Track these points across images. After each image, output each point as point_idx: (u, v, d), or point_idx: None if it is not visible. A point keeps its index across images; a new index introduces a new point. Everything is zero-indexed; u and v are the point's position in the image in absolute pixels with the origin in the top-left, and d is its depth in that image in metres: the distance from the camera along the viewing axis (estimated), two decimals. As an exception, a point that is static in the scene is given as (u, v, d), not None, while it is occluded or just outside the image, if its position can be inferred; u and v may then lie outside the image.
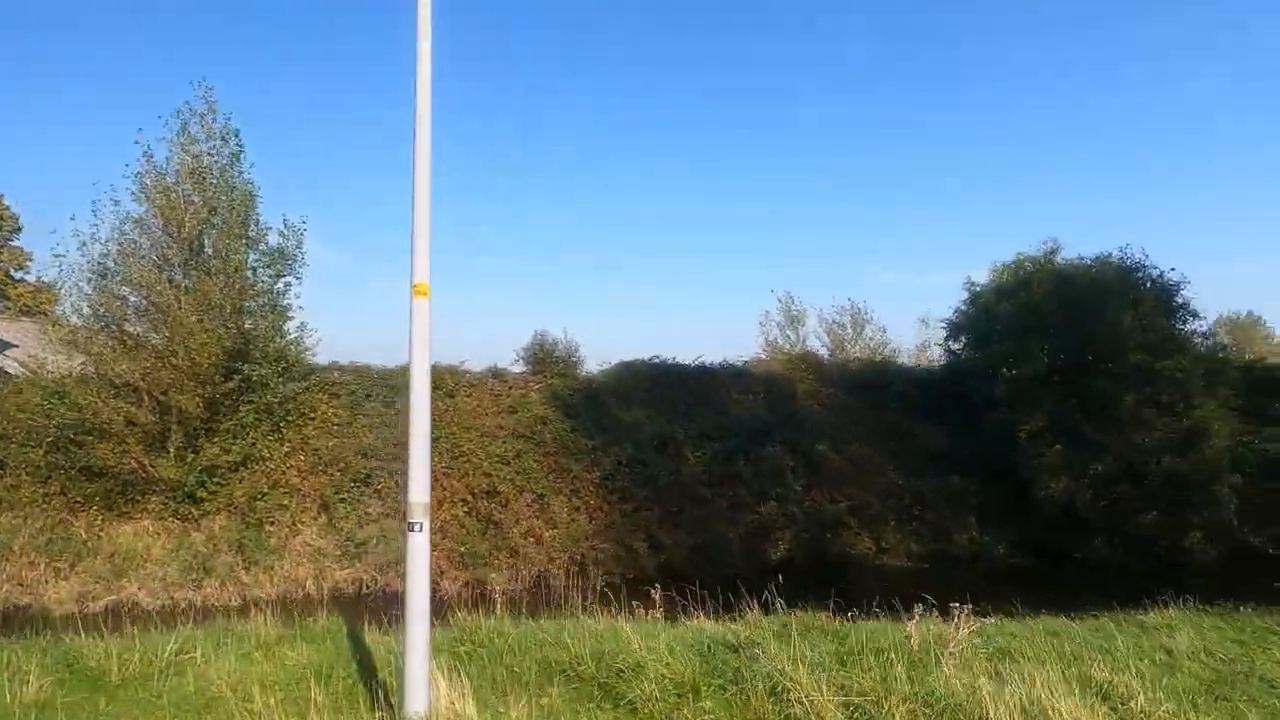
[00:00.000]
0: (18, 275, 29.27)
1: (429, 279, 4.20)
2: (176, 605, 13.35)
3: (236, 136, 16.02)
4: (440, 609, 14.31)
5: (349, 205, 79.62)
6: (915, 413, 19.67)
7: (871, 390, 20.39)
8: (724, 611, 8.04)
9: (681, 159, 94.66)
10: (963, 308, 20.88)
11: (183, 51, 74.41)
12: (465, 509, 15.26)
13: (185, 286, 14.75)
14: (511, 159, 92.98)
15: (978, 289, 20.58)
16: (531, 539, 14.94)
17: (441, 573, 14.44)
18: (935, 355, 27.99)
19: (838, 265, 76.82)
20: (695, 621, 7.65)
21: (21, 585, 13.37)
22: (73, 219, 14.81)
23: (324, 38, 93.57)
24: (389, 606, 14.17)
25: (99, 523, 14.64)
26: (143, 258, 14.82)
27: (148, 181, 14.91)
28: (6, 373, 19.59)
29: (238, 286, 15.13)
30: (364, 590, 14.18)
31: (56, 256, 14.88)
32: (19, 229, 29.68)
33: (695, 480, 16.42)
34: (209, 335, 14.33)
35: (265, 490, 14.82)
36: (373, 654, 6.30)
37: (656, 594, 7.55)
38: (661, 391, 18.85)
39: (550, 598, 14.26)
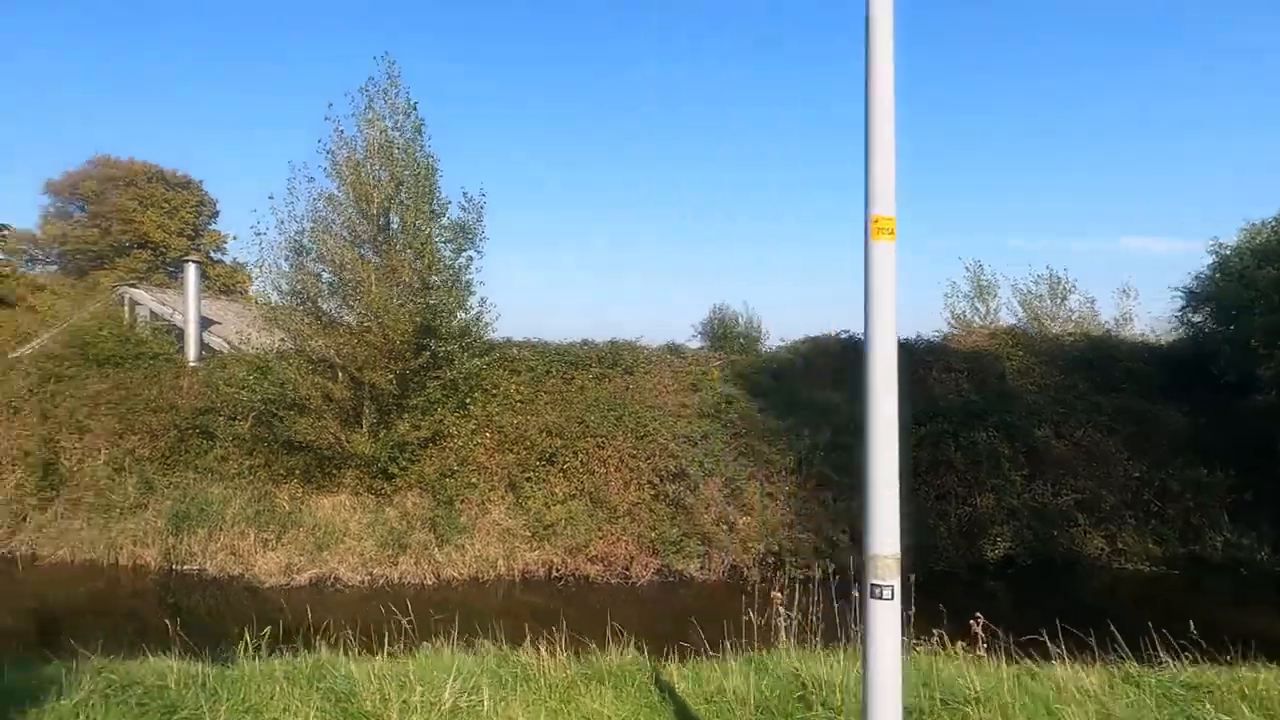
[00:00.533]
0: (216, 257, 31.58)
1: (893, 212, 3.05)
2: (375, 581, 13.40)
3: (415, 110, 15.83)
4: (635, 595, 13.81)
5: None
6: (1151, 394, 17.13)
7: (1093, 368, 17.97)
8: (952, 622, 6.70)
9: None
10: (1207, 274, 17.99)
11: (325, 23, 78.12)
12: (652, 492, 14.48)
13: (375, 263, 14.70)
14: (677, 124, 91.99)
15: (1227, 251, 17.64)
16: (724, 526, 13.97)
17: (631, 559, 13.76)
18: (1141, 328, 24.82)
19: (977, 233, 71.03)
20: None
21: (234, 555, 13.80)
22: (270, 198, 14.94)
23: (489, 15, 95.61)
24: (583, 594, 13.77)
25: (299, 495, 14.96)
26: (335, 234, 14.90)
27: (340, 158, 14.94)
28: (212, 349, 20.68)
29: (426, 261, 14.96)
30: (554, 573, 13.72)
31: (257, 235, 15.23)
32: (217, 213, 32.00)
33: (900, 468, 14.88)
34: (402, 310, 14.22)
35: (455, 467, 14.63)
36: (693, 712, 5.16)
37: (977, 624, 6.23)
38: (854, 369, 17.35)
39: (745, 587, 13.35)
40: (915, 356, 17.99)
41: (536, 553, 13.81)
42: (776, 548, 13.73)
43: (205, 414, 15.87)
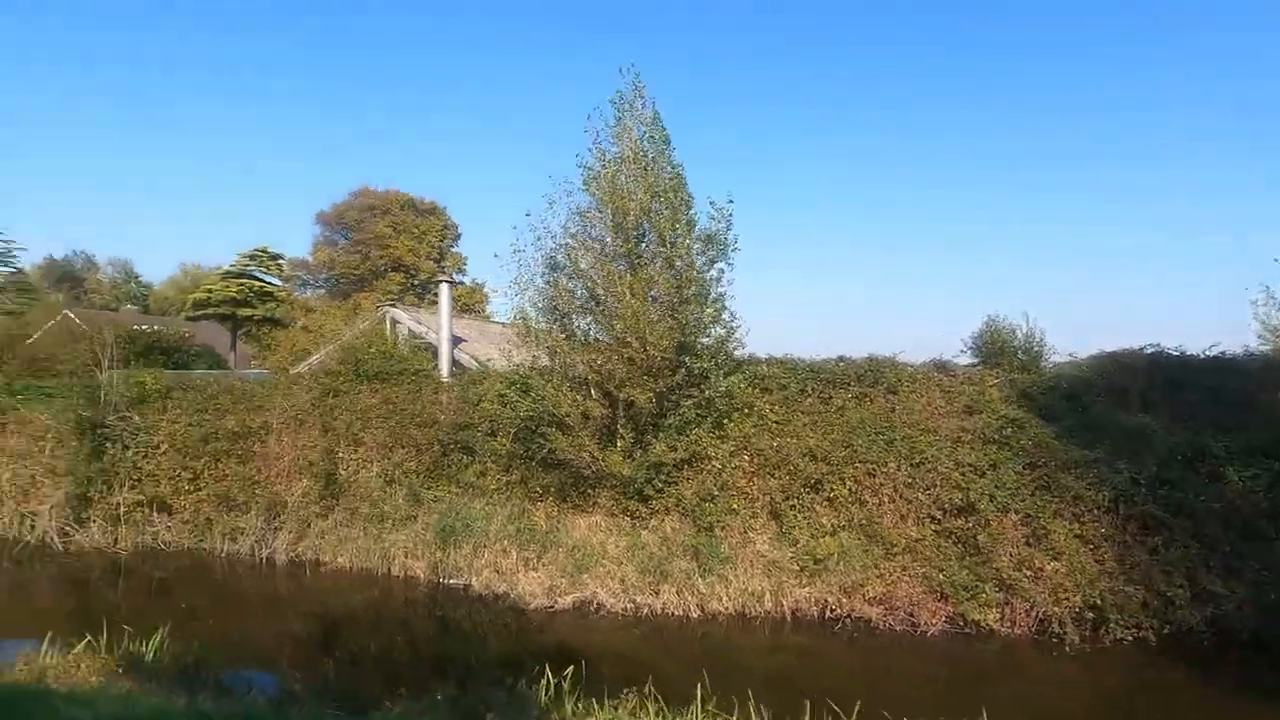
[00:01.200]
0: (458, 278, 33.65)
1: None
2: (638, 609, 12.81)
3: (660, 121, 15.36)
4: (924, 647, 12.27)
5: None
6: None
7: None
8: None
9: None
10: None
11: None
12: (935, 527, 12.86)
13: (628, 277, 14.26)
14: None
15: None
16: (1026, 571, 12.06)
17: (915, 604, 12.22)
18: None
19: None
20: None
21: (498, 572, 13.78)
22: (527, 215, 14.98)
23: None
24: (864, 640, 12.42)
25: (555, 514, 14.79)
26: (591, 249, 14.67)
27: (595, 172, 14.73)
28: (461, 365, 21.42)
29: (684, 276, 14.35)
30: (828, 613, 12.47)
31: (515, 252, 15.33)
32: (459, 236, 34.18)
33: (1249, 510, 12.22)
34: (660, 325, 13.67)
35: (714, 492, 13.82)
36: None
37: None
38: (1167, 390, 14.72)
39: (1062, 646, 11.41)
40: (1246, 377, 15.02)
41: (807, 589, 12.62)
42: (1097, 601, 11.62)
43: (464, 429, 16.20)
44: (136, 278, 62.09)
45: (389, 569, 14.79)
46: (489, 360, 21.43)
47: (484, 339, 24.40)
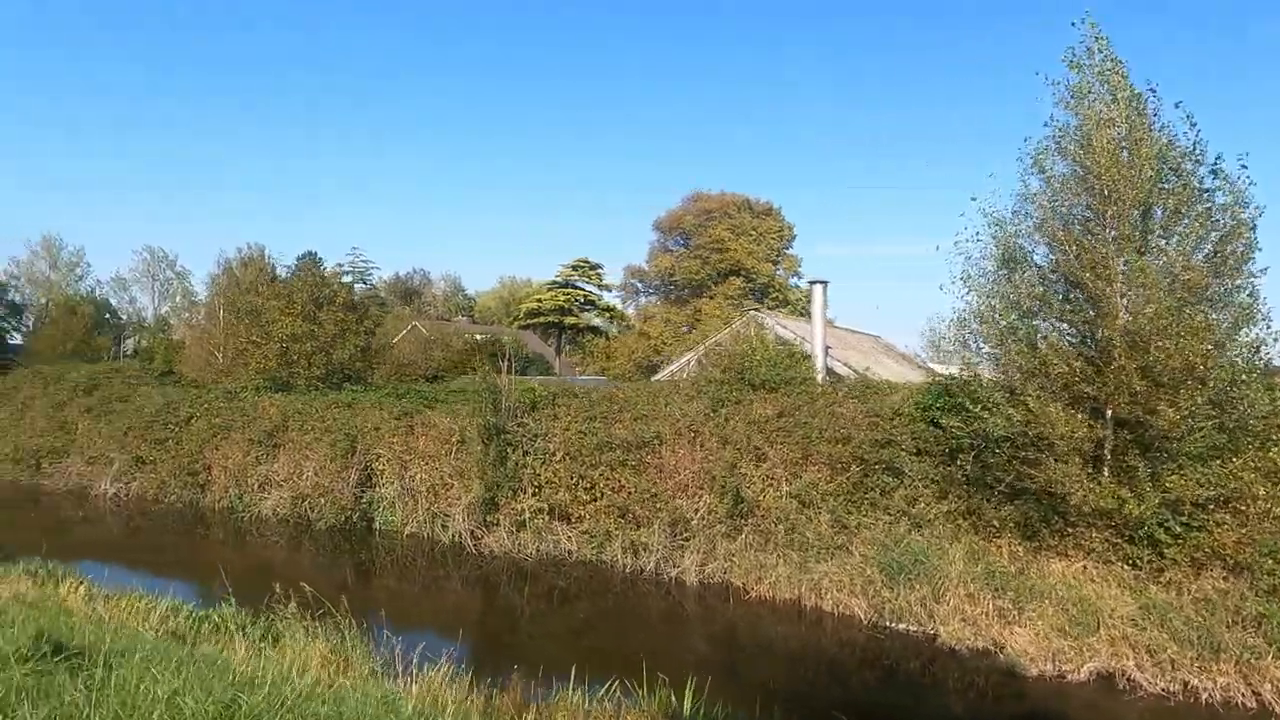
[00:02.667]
0: (793, 282, 32.46)
1: None
2: (1189, 692, 9.92)
3: (1126, 77, 12.36)
4: None
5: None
6: None
7: None
8: None
9: None
10: None
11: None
12: None
13: (1139, 265, 11.41)
14: None
15: None
16: None
17: None
18: None
19: None
20: None
21: (969, 623, 11.55)
22: (973, 199, 12.68)
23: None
24: None
25: (1021, 554, 12.29)
26: (1073, 234, 12.04)
27: (1078, 136, 12.11)
28: (835, 373, 19.56)
29: (1210, 263, 11.29)
30: None
31: (956, 244, 13.15)
32: (794, 237, 32.92)
33: None
34: (1190, 325, 10.72)
35: (1274, 544, 10.55)
36: None
37: None
38: None
39: None
40: None
41: None
42: None
43: (884, 447, 14.24)
44: (463, 291, 68.88)
45: (818, 603, 13.15)
46: (866, 369, 19.41)
47: (842, 345, 22.48)
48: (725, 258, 33.06)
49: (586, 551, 16.18)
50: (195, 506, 21.68)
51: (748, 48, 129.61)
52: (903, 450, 14.07)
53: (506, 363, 18.67)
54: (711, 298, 32.35)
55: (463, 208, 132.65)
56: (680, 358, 22.48)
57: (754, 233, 33.78)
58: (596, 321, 36.34)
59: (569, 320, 37.10)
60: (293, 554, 18.59)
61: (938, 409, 13.90)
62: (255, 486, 20.92)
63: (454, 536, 17.41)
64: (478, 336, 41.95)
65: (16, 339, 49.19)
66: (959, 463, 13.16)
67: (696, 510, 15.27)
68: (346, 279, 29.34)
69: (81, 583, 11.26)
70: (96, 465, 24.12)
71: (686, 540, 15.13)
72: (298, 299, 26.61)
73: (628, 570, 15.44)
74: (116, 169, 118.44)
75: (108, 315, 58.72)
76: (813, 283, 19.78)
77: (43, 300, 54.57)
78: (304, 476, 20.22)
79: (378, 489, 19.30)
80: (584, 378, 27.32)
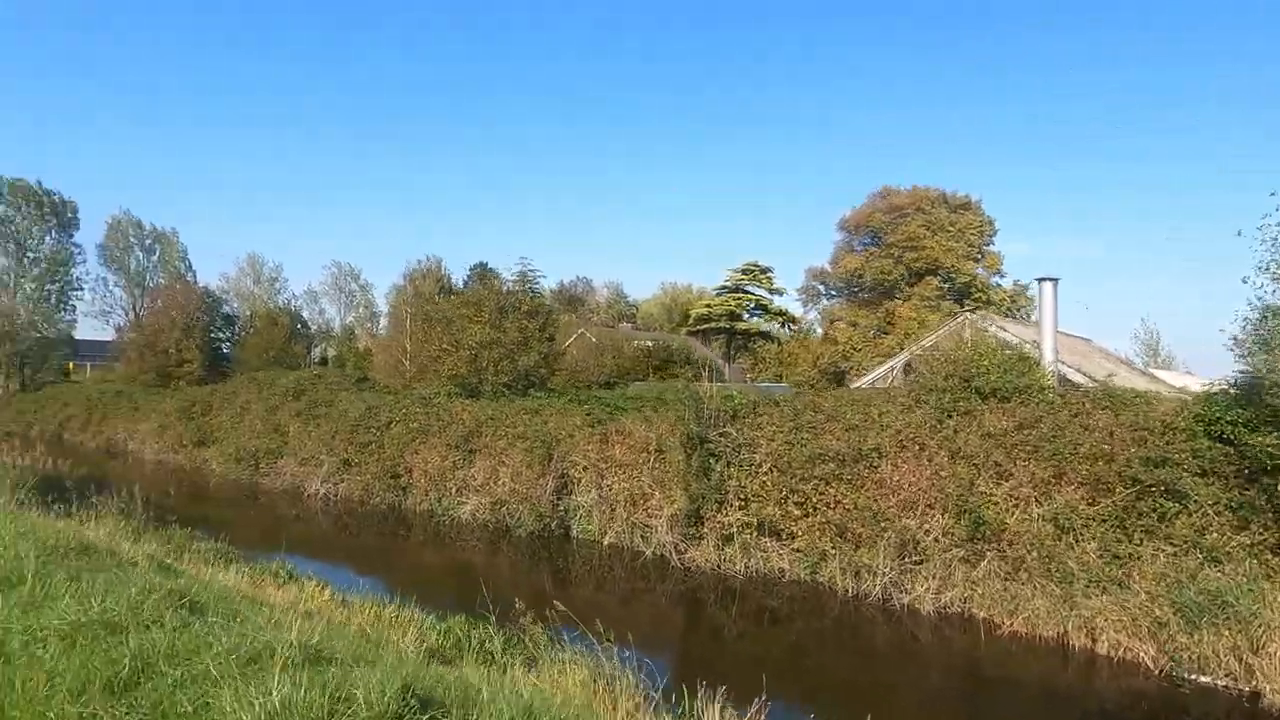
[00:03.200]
0: (995, 281, 30.10)
1: None
2: None
3: None
4: None
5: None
6: None
7: None
8: None
9: None
10: None
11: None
12: None
13: None
14: None
15: None
16: None
17: None
18: None
19: None
20: None
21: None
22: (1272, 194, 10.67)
23: None
24: None
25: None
26: None
27: None
28: (1070, 381, 17.53)
29: None
30: None
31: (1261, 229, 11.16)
32: (995, 233, 30.49)
33: None
34: None
35: None
36: None
37: None
38: None
39: None
40: None
41: None
42: None
43: (1160, 466, 12.35)
44: (625, 298, 69.68)
45: (1089, 644, 11.49)
46: (1109, 376, 17.28)
47: (1065, 350, 20.25)
48: (920, 256, 30.81)
49: (799, 571, 15.18)
50: (398, 509, 22.47)
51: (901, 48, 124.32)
52: (1184, 471, 12.14)
53: (706, 369, 17.98)
54: (905, 299, 30.26)
55: (624, 215, 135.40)
56: (879, 364, 20.99)
57: (951, 228, 31.30)
58: (767, 326, 35.15)
59: (739, 325, 36.12)
60: (492, 559, 18.74)
61: (1230, 422, 11.90)
62: (453, 491, 21.38)
63: (656, 549, 16.89)
64: (646, 343, 41.85)
65: (225, 348, 53.93)
66: (1261, 486, 11.17)
67: (928, 531, 13.91)
68: (504, 288, 29.69)
69: (323, 586, 11.47)
70: (307, 466, 25.61)
71: (917, 564, 13.81)
72: (485, 307, 27.24)
73: (849, 594, 14.30)
74: (311, 190, 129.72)
75: (298, 325, 63.63)
76: (1041, 280, 17.80)
77: (247, 312, 59.73)
78: (500, 482, 20.41)
79: (574, 496, 19.15)
80: (765, 385, 26.25)
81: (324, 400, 28.65)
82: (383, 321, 64.90)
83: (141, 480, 25.17)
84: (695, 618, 14.89)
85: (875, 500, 14.72)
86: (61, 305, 58.50)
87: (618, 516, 18.01)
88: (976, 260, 32.09)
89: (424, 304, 39.84)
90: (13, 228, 56.08)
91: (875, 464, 15.17)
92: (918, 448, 14.98)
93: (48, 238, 57.53)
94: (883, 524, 14.31)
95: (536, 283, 33.74)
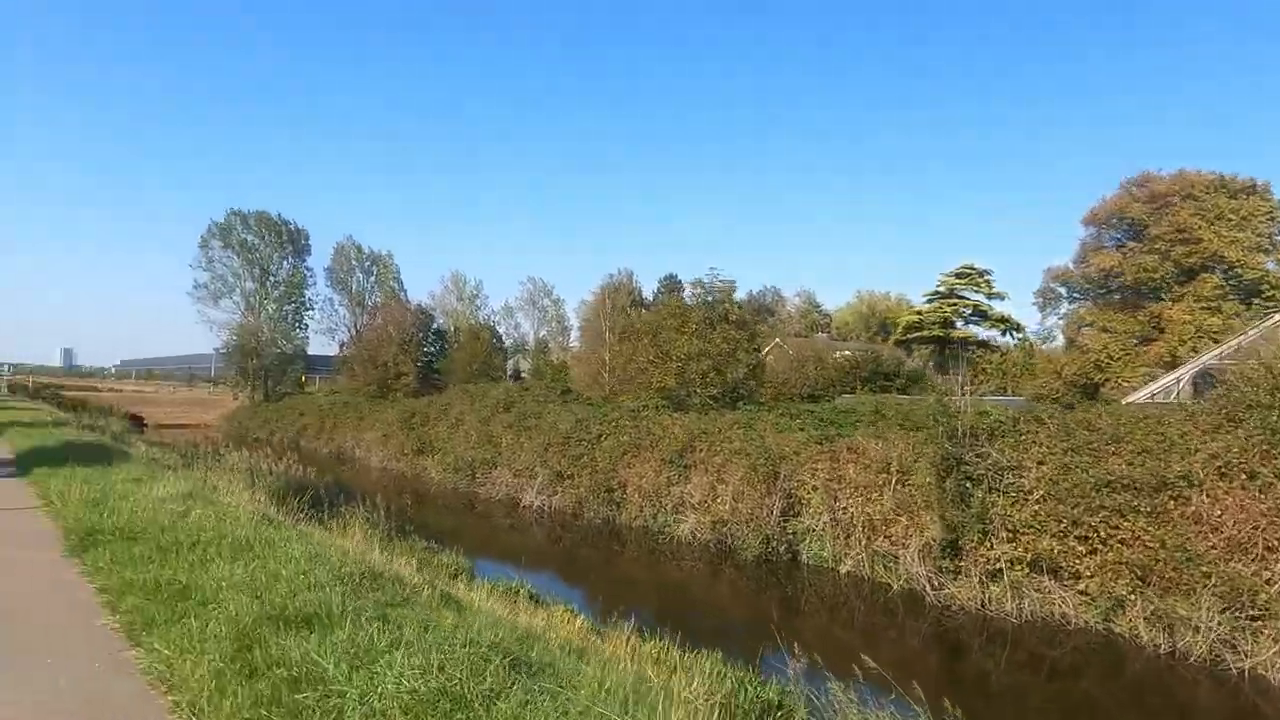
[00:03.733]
0: None
1: None
2: None
3: None
4: None
5: None
6: None
7: None
8: None
9: None
10: None
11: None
12: None
13: None
14: None
15: None
16: None
17: None
18: None
19: None
20: None
21: None
22: None
23: None
24: None
25: None
26: None
27: None
28: None
29: None
30: None
31: None
32: None
33: None
34: None
35: None
36: None
37: None
38: None
39: None
40: None
41: None
42: None
43: None
44: (818, 307, 67.45)
45: None
46: None
47: None
48: (1194, 250, 26.29)
49: (1089, 617, 12.98)
50: (612, 523, 22.11)
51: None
52: None
53: (961, 381, 16.10)
54: (1176, 300, 26.09)
55: (817, 222, 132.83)
56: (1148, 376, 18.02)
57: (1234, 216, 26.58)
58: (987, 334, 32.00)
59: (954, 334, 33.15)
60: (714, 581, 17.80)
61: None
62: (669, 508, 20.67)
63: (905, 582, 15.19)
64: (845, 353, 39.72)
65: (435, 362, 57.37)
66: None
67: (1270, 581, 11.34)
68: (707, 299, 28.72)
69: (573, 614, 10.90)
70: (521, 478, 25.98)
71: (1258, 620, 11.27)
72: (692, 317, 26.56)
73: (1158, 649, 11.97)
74: (509, 213, 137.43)
75: (494, 340, 66.62)
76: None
77: (451, 328, 63.32)
78: (720, 500, 19.45)
79: (802, 519, 17.81)
80: (994, 398, 23.61)
81: (533, 412, 29.12)
82: (573, 335, 66.66)
83: (371, 487, 26.64)
84: (957, 664, 13.10)
85: (1188, 539, 12.28)
86: (297, 323, 64.80)
87: (855, 543, 16.46)
88: (1267, 252, 27.03)
89: (621, 316, 40.05)
90: (258, 255, 62.85)
91: (1184, 495, 12.70)
92: (1245, 476, 12.36)
93: (286, 263, 63.98)
94: (1202, 568, 11.87)
95: (729, 292, 32.68)
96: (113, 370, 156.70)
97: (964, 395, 15.95)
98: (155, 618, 5.18)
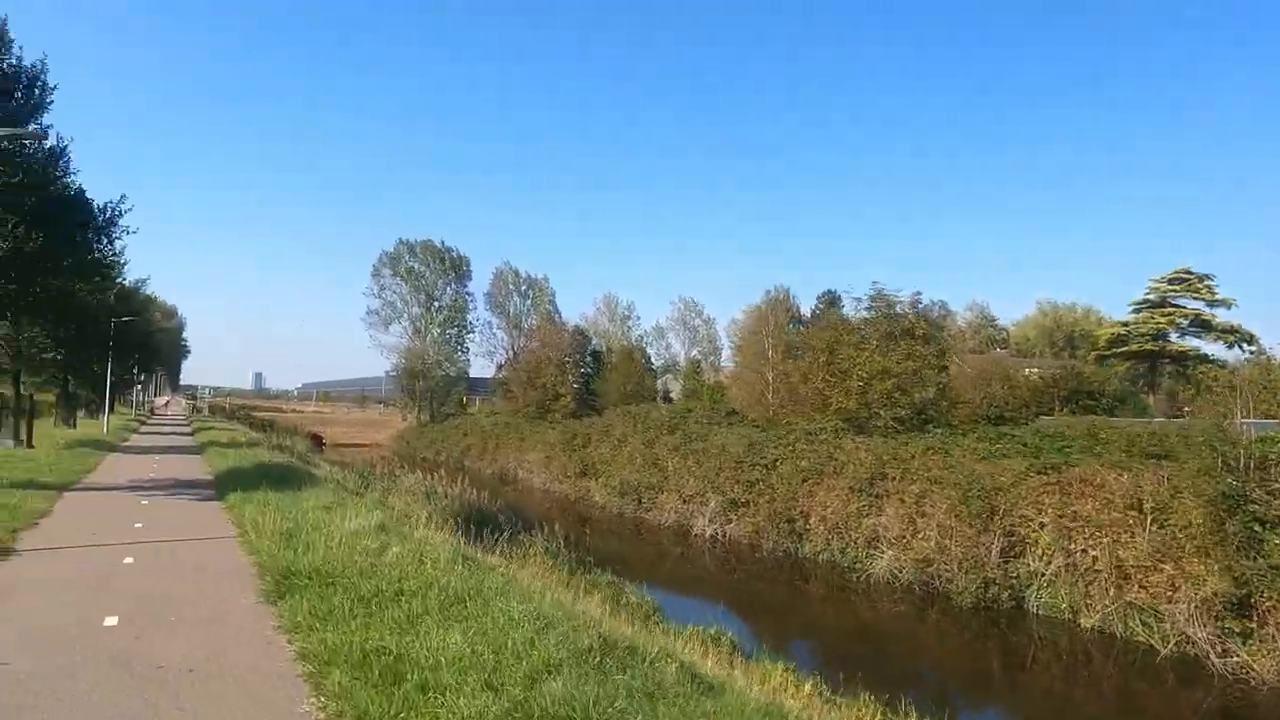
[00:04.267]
0: None
1: None
2: None
3: None
4: None
5: None
6: None
7: None
8: None
9: None
10: None
11: None
12: None
13: None
14: None
15: None
16: None
17: None
18: None
19: None
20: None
21: None
22: None
23: None
24: None
25: None
26: None
27: None
28: None
29: None
30: None
31: None
32: None
33: None
34: None
35: None
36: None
37: None
38: None
39: None
40: None
41: None
42: None
43: None
44: (993, 321, 62.50)
45: None
46: None
47: None
48: None
49: None
50: (793, 555, 20.41)
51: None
52: None
53: (1240, 403, 13.43)
54: None
55: (988, 231, 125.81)
56: None
57: None
58: (1211, 347, 27.70)
59: (1169, 348, 29.01)
60: (918, 628, 15.76)
61: None
62: (860, 542, 18.75)
63: (1175, 644, 12.63)
64: (1034, 371, 36.03)
65: (591, 383, 57.61)
66: None
67: None
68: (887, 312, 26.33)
69: (804, 682, 9.41)
70: (691, 504, 24.74)
71: None
72: (872, 334, 24.53)
73: None
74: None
75: (645, 361, 66.28)
76: None
77: (605, 349, 63.49)
78: (921, 535, 17.36)
79: (1026, 561, 15.47)
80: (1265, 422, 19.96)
81: (698, 434, 27.90)
82: (724, 354, 65.16)
83: (540, 511, 26.26)
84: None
85: None
86: (459, 346, 67.24)
87: (1098, 592, 14.00)
88: None
89: (782, 333, 38.25)
90: (424, 281, 65.81)
91: None
92: None
93: (449, 289, 66.62)
94: None
95: (894, 308, 30.05)
96: (295, 392, 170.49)
97: (1243, 419, 13.23)
98: (369, 710, 4.21)
